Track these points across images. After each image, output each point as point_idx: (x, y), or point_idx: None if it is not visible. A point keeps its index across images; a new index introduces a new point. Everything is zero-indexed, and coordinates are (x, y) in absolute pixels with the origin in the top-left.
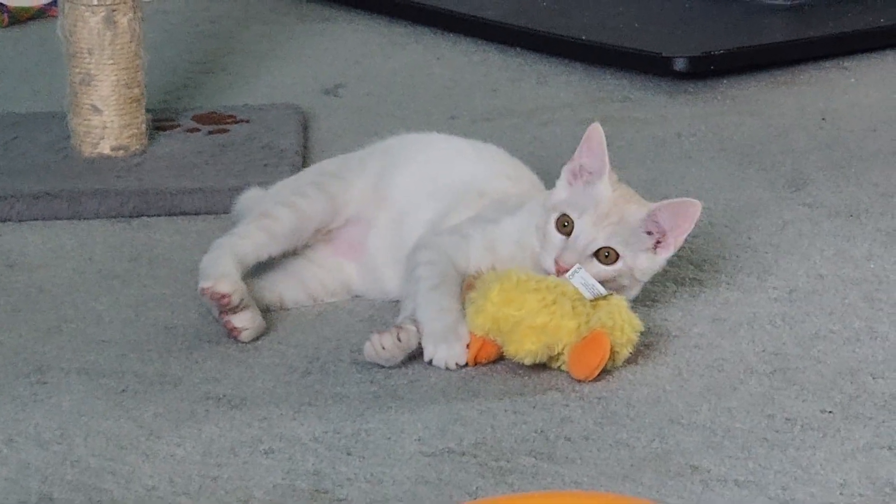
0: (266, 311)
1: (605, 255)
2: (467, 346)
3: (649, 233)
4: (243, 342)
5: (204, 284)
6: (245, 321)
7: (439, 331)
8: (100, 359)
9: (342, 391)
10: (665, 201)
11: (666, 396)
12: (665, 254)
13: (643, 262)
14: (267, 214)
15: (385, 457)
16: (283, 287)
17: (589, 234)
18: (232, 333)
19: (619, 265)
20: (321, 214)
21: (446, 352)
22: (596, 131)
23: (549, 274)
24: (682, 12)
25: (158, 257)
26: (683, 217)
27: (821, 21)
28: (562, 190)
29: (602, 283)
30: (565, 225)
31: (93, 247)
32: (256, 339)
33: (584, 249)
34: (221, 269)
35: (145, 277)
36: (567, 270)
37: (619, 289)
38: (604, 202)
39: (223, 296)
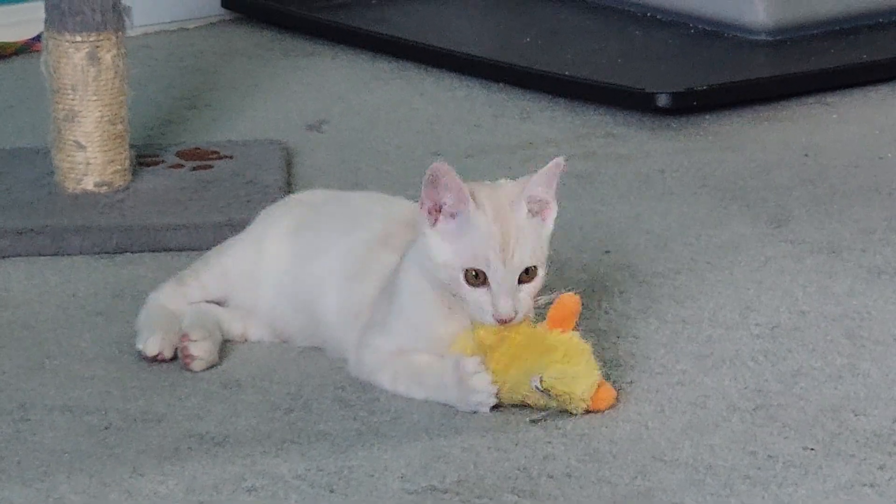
0: (229, 342)
1: (527, 273)
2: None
3: (530, 212)
4: (192, 371)
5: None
6: (201, 351)
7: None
8: (83, 396)
9: (325, 428)
10: (533, 178)
11: (648, 433)
12: (552, 216)
13: (546, 241)
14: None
15: (368, 494)
16: (249, 321)
17: (508, 274)
18: (185, 360)
19: (540, 273)
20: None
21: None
22: (441, 170)
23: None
24: (665, 48)
25: (142, 294)
26: (553, 178)
27: (804, 57)
28: (434, 238)
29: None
30: (476, 276)
31: (76, 283)
32: (207, 369)
33: (512, 289)
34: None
35: (129, 314)
36: (510, 320)
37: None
38: (491, 233)
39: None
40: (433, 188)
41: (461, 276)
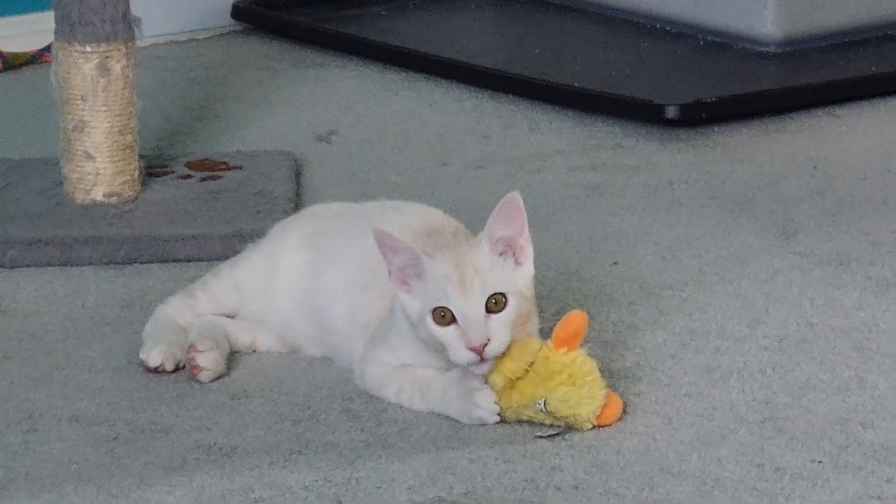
0: (237, 352)
1: (495, 303)
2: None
3: (502, 254)
4: (200, 381)
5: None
6: (208, 362)
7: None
8: (91, 406)
9: (333, 439)
10: (489, 218)
11: (656, 445)
12: (528, 258)
13: (522, 281)
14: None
15: None
16: (257, 332)
17: (470, 302)
18: (192, 371)
19: (512, 302)
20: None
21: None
22: (380, 235)
23: (469, 365)
24: (674, 60)
25: (151, 304)
26: (514, 215)
27: (812, 69)
28: (409, 300)
29: (513, 325)
30: (443, 316)
31: (85, 294)
32: (214, 379)
33: (478, 317)
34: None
35: (137, 324)
36: (484, 347)
37: (527, 319)
38: (447, 274)
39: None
40: (383, 252)
41: (430, 320)
